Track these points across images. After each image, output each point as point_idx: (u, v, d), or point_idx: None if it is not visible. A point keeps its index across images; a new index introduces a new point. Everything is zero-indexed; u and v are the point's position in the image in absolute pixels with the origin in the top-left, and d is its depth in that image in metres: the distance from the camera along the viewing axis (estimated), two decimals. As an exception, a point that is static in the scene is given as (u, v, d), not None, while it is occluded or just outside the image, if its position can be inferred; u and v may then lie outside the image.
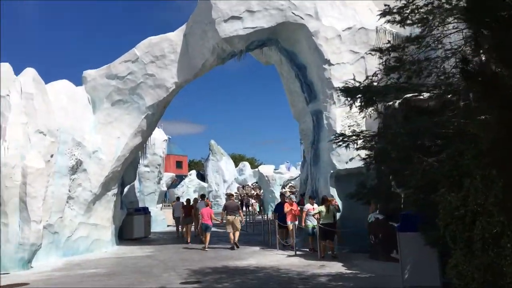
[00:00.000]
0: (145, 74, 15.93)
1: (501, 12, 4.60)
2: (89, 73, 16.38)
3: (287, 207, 14.67)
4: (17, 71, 13.61)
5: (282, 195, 18.35)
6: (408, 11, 7.52)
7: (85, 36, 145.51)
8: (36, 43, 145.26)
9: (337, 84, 14.41)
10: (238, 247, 15.32)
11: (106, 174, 15.37)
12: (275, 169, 40.60)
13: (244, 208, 29.53)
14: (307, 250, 14.00)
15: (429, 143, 7.26)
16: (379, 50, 8.01)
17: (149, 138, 18.41)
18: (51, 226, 13.42)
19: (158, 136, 24.88)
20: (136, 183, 22.87)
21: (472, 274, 5.28)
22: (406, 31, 9.72)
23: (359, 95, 7.22)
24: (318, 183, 15.47)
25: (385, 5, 7.94)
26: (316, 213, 13.22)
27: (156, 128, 20.11)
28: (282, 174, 40.20)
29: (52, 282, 10.15)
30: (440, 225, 5.96)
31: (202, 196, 21.62)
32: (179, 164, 61.80)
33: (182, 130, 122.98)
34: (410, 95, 8.91)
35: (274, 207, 17.43)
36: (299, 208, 14.72)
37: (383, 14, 7.83)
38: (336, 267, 11.19)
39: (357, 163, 13.95)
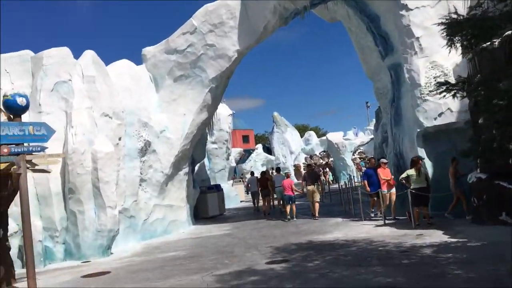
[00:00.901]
0: (205, 45, 15.03)
1: None
2: (148, 50, 15.73)
3: (382, 174, 13.17)
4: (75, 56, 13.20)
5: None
6: None
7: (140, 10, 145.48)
8: (88, 27, 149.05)
9: (418, 31, 12.77)
10: (318, 218, 14.77)
11: (175, 153, 14.91)
12: (343, 136, 39.18)
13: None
14: (393, 219, 12.83)
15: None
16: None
17: (215, 113, 17.75)
18: (126, 210, 13.13)
19: (223, 111, 24.28)
20: (206, 160, 22.55)
21: None
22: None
23: (469, 30, 5.78)
24: (402, 144, 14.00)
25: None
26: (404, 177, 11.92)
27: (220, 104, 19.38)
28: (352, 140, 38.81)
29: (133, 269, 9.65)
30: None
31: (278, 170, 21.00)
32: (245, 139, 61.36)
33: (243, 105, 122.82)
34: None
35: (363, 173, 16.24)
36: (392, 177, 13.30)
37: None
38: (437, 236, 9.93)
39: (447, 119, 12.42)
